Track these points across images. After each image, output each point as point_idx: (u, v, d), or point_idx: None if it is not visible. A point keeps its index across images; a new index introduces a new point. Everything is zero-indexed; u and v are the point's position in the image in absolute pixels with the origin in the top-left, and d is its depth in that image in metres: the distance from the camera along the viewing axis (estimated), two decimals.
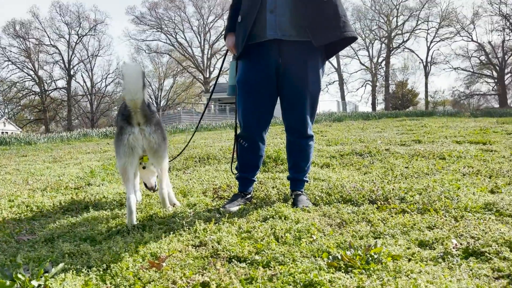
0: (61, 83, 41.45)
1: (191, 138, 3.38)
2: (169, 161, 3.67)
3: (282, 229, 1.89)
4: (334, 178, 3.23)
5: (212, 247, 1.72)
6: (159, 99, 48.03)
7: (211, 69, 47.12)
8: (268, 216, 2.14)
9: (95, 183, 3.73)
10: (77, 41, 41.14)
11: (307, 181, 2.64)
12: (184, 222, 2.07)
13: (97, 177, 4.04)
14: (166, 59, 47.70)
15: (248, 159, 2.52)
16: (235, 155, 2.60)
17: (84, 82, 42.85)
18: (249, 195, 2.59)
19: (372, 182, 2.94)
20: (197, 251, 1.71)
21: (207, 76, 46.23)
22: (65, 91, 40.75)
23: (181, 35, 45.79)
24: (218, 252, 1.66)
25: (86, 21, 41.05)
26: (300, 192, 2.54)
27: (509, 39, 38.43)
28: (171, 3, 44.22)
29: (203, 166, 4.46)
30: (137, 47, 45.71)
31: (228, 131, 12.40)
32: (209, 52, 46.54)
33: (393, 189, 2.53)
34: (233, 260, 1.60)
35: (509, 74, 41.58)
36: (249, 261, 1.57)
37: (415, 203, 2.23)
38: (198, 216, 2.22)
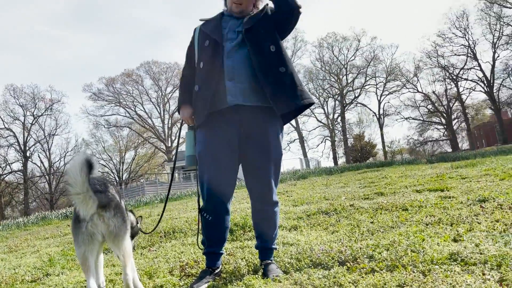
0: (17, 165, 39.86)
1: (162, 214, 3.30)
2: (149, 233, 3.53)
3: None
4: (302, 241, 3.21)
5: None
6: (121, 173, 47.08)
7: (173, 138, 47.25)
8: None
9: (54, 272, 3.50)
10: (33, 122, 40.36)
11: (275, 249, 2.60)
12: None
13: (56, 266, 3.81)
14: (126, 132, 47.52)
15: (213, 233, 2.47)
16: (200, 227, 2.54)
17: (42, 162, 41.53)
18: (218, 270, 2.50)
19: (340, 241, 2.94)
20: None
21: (169, 145, 46.22)
22: (21, 174, 39.18)
23: (140, 108, 46.18)
24: None
25: (42, 102, 40.60)
26: (269, 261, 2.49)
27: (451, 88, 41.34)
28: (128, 78, 44.97)
29: (169, 241, 4.32)
30: (95, 123, 45.35)
31: (194, 200, 12.20)
32: (170, 122, 46.93)
33: (360, 248, 2.53)
34: None
35: (456, 120, 44.27)
36: None
37: (384, 260, 2.23)
38: None
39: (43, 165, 41.65)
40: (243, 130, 2.33)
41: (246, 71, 2.30)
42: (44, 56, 66.29)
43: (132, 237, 2.59)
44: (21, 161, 39.35)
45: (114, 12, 69.67)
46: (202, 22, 2.60)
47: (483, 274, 1.80)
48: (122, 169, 47.54)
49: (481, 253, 2.09)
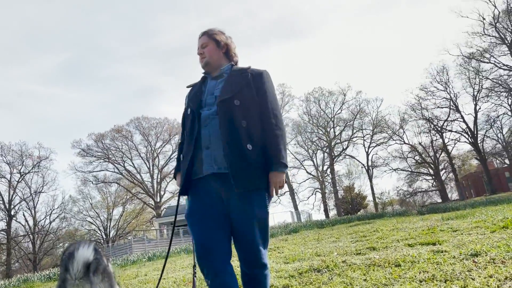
0: (0, 225, 38.76)
1: (160, 279, 3.20)
2: None
3: None
4: None
5: None
6: (108, 230, 45.98)
7: (162, 193, 46.78)
8: None
9: None
10: (19, 180, 39.80)
11: None
12: None
13: None
14: (114, 188, 46.98)
15: None
16: None
17: (26, 221, 40.45)
18: None
19: None
20: None
21: (158, 200, 45.63)
22: (4, 234, 37.96)
23: (129, 163, 46.05)
24: None
25: (30, 159, 40.32)
26: None
27: (437, 139, 42.20)
28: (117, 133, 45.19)
29: None
30: (83, 179, 44.87)
31: (183, 257, 11.86)
32: (159, 177, 46.64)
33: None
34: None
35: (444, 170, 44.80)
36: None
37: None
38: None
39: (28, 224, 40.59)
40: (224, 196, 2.27)
41: (220, 140, 2.28)
42: (33, 113, 66.76)
43: None
44: (4, 220, 38.28)
45: (103, 70, 71.50)
46: (190, 88, 2.63)
47: None
48: (109, 226, 46.53)
49: None
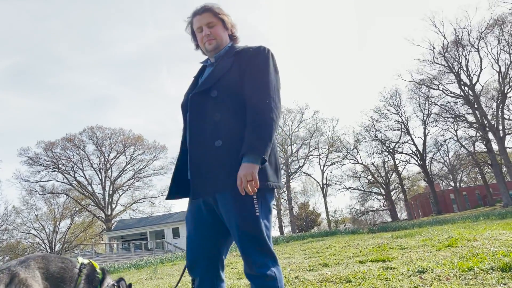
0: None
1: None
2: None
3: None
4: None
5: None
6: (53, 243, 43.71)
7: (113, 205, 45.24)
8: None
9: None
10: None
11: None
12: None
13: None
14: (63, 199, 44.94)
15: None
16: None
17: None
18: None
19: None
20: None
21: (109, 213, 44.06)
22: None
23: (80, 173, 44.36)
24: None
25: None
26: None
27: (388, 160, 43.83)
28: (69, 142, 43.51)
29: None
30: (29, 189, 42.63)
31: (133, 272, 11.45)
32: (111, 189, 45.15)
33: None
34: None
35: (394, 191, 46.44)
36: None
37: None
38: None
39: None
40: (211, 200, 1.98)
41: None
42: None
43: None
44: None
45: (54, 77, 69.16)
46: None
47: None
48: (55, 239, 44.28)
49: None
